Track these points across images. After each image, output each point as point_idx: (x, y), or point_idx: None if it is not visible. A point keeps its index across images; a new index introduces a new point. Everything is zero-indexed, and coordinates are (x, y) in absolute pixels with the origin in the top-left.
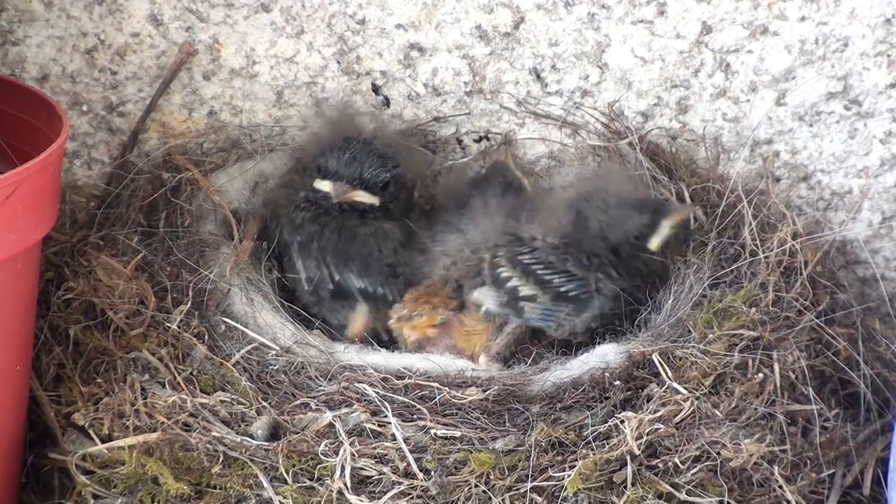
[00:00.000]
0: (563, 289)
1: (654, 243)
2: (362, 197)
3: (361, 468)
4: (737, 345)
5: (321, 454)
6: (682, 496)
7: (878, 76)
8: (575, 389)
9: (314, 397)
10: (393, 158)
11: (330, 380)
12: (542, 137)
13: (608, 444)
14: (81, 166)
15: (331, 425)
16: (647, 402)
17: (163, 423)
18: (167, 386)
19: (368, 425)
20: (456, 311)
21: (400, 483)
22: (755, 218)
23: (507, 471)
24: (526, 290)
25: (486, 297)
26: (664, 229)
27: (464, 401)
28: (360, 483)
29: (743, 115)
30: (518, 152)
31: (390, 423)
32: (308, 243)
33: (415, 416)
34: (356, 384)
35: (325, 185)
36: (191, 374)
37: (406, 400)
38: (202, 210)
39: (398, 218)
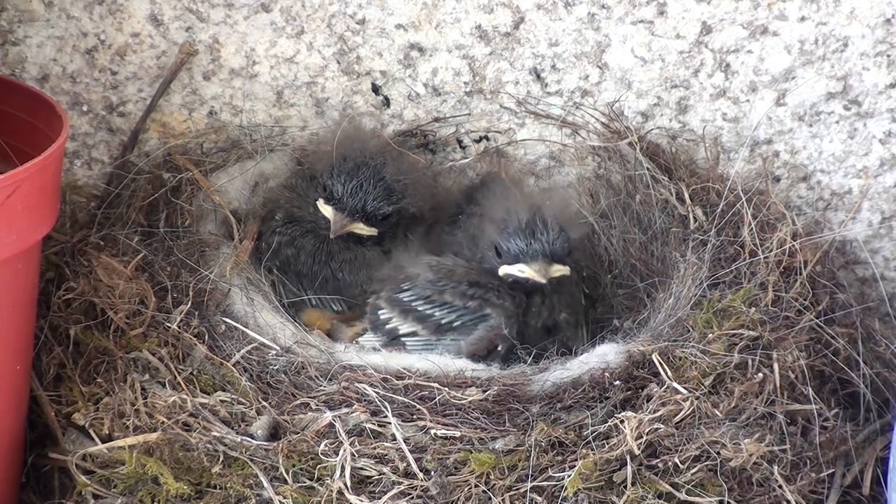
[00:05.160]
0: (444, 321)
1: (502, 272)
2: (361, 230)
3: (361, 468)
4: (736, 345)
5: (321, 454)
6: (682, 496)
7: (878, 76)
8: (575, 389)
9: (314, 397)
10: (399, 191)
11: (330, 380)
12: (541, 138)
13: (608, 443)
14: (82, 166)
15: (331, 425)
16: (647, 401)
17: (163, 423)
18: (167, 386)
19: (368, 425)
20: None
21: (400, 483)
22: (755, 218)
23: (507, 471)
24: (404, 328)
25: (365, 342)
26: (514, 269)
27: (464, 401)
28: (360, 483)
29: (743, 115)
30: (518, 153)
31: (390, 423)
32: (286, 268)
33: (415, 417)
34: (356, 384)
35: (327, 212)
36: (191, 374)
37: (406, 400)
38: (202, 210)
39: (396, 238)
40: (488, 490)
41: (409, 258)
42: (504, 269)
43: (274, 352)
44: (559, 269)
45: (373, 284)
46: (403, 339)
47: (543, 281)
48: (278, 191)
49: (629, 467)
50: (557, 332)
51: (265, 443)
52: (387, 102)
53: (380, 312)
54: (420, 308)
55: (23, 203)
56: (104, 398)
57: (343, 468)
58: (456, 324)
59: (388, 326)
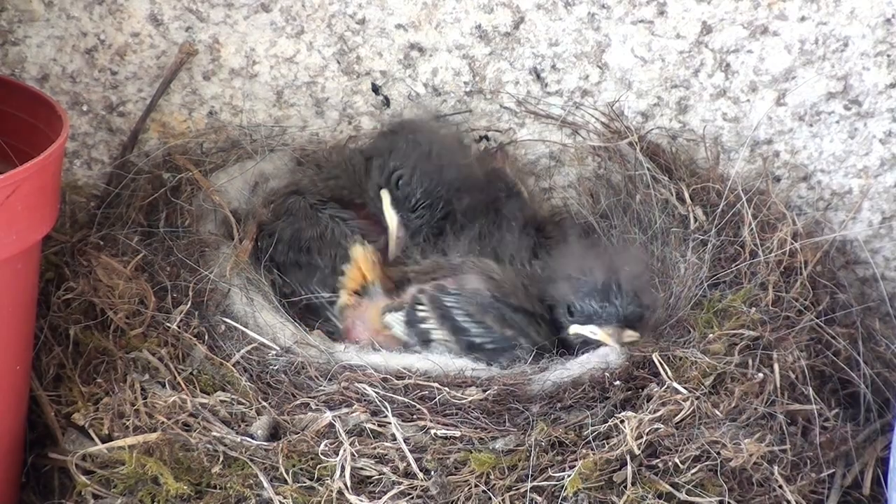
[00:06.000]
0: (478, 340)
1: (572, 331)
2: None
3: (361, 468)
4: (737, 345)
5: (321, 454)
6: (682, 496)
7: (878, 76)
8: (575, 389)
9: (314, 397)
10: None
11: (330, 380)
12: (541, 138)
13: (608, 443)
14: (81, 166)
15: (331, 425)
16: (647, 401)
17: (163, 423)
18: (167, 386)
19: (368, 425)
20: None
21: (400, 483)
22: (755, 218)
23: (507, 471)
24: (438, 335)
25: (395, 324)
26: (586, 330)
27: (464, 401)
28: (360, 483)
29: (743, 115)
30: (518, 152)
31: (390, 423)
32: (272, 262)
33: (415, 416)
34: (356, 384)
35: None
36: (191, 374)
37: (406, 400)
38: (202, 210)
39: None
40: (488, 490)
41: (461, 251)
42: (575, 329)
43: (274, 352)
44: (631, 335)
45: (411, 272)
46: (434, 342)
47: (617, 346)
48: (300, 173)
49: (629, 467)
50: None
51: (265, 443)
52: (387, 102)
53: (419, 308)
54: (459, 320)
55: (23, 203)
56: (104, 398)
57: (343, 468)
58: (487, 347)
59: (422, 326)
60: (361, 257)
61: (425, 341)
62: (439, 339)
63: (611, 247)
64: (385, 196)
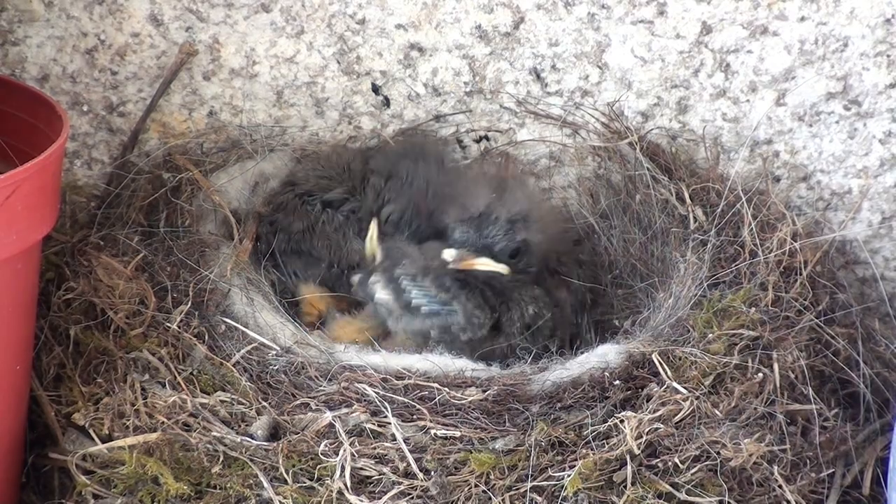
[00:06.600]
0: (415, 301)
1: (444, 255)
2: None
3: (361, 468)
4: (736, 345)
5: (321, 454)
6: (682, 496)
7: (878, 76)
8: (575, 389)
9: (314, 397)
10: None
11: (330, 380)
12: (542, 138)
13: (608, 443)
14: (81, 166)
15: (331, 425)
16: (647, 401)
17: (163, 423)
18: (167, 386)
19: (368, 425)
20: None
21: (400, 483)
22: (755, 218)
23: (507, 471)
24: (383, 295)
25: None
26: (447, 252)
27: (463, 401)
28: (360, 483)
29: (743, 115)
30: (518, 152)
31: (390, 423)
32: (276, 254)
33: (415, 417)
34: (356, 384)
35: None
36: (191, 374)
37: (406, 400)
38: (202, 210)
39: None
40: (488, 490)
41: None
42: (444, 252)
43: (274, 352)
44: (486, 263)
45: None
46: (378, 301)
47: (454, 265)
48: (301, 173)
49: (629, 467)
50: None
51: (265, 443)
52: (387, 102)
53: (372, 280)
54: (402, 283)
55: (23, 203)
56: (104, 398)
57: (343, 468)
58: (423, 309)
59: (370, 289)
60: (311, 296)
61: (372, 298)
62: (383, 299)
63: (506, 181)
64: (373, 226)
